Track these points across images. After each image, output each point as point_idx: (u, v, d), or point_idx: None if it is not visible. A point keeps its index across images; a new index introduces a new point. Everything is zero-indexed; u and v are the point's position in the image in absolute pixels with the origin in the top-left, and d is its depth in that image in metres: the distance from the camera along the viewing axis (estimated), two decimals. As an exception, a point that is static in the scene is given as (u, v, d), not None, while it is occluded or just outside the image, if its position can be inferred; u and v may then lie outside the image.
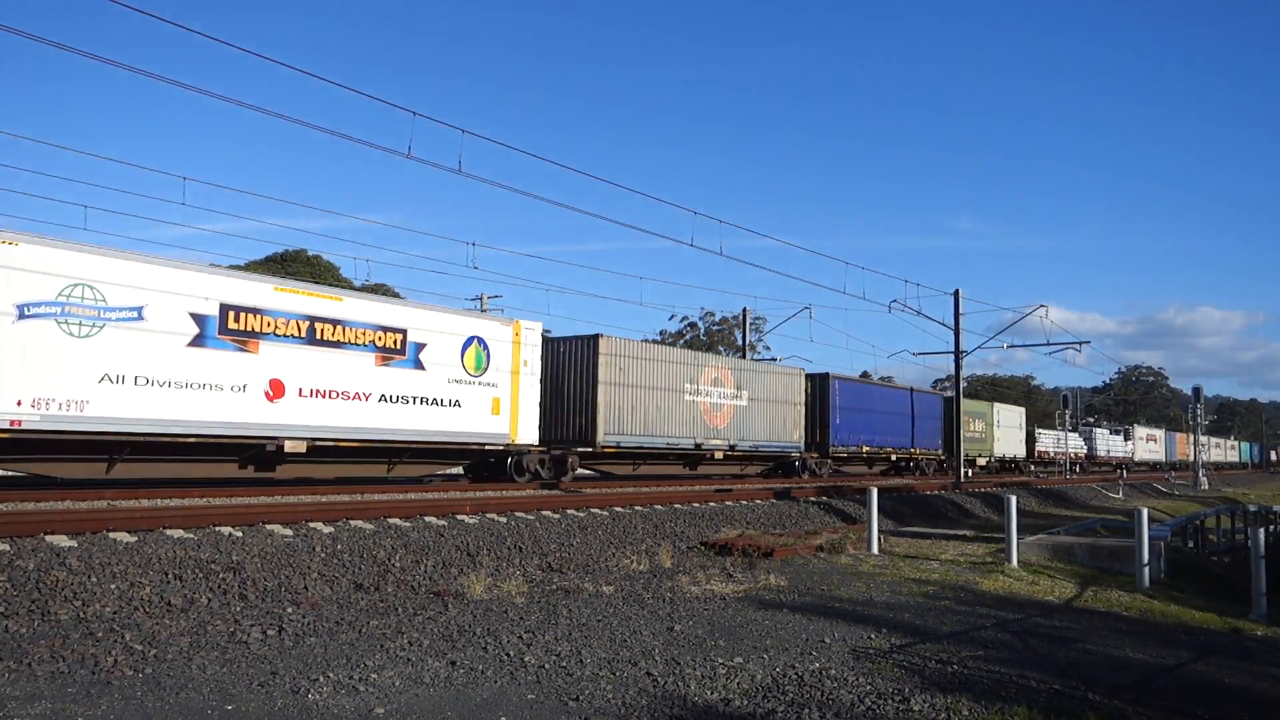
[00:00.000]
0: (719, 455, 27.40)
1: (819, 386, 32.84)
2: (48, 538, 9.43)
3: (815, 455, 32.10)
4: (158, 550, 9.46)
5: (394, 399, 18.29)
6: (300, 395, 16.75)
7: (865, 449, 35.16)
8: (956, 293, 32.39)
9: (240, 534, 10.63)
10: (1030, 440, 52.41)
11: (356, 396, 17.67)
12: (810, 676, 7.01)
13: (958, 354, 32.61)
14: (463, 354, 19.85)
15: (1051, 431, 56.07)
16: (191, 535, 10.27)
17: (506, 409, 20.80)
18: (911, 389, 40.42)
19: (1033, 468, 51.76)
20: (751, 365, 30.52)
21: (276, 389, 16.40)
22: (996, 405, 48.83)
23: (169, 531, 10.33)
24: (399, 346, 18.52)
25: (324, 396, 17.14)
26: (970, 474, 38.28)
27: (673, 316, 77.12)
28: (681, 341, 77.13)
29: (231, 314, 15.86)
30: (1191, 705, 6.93)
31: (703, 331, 77.06)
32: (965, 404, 37.85)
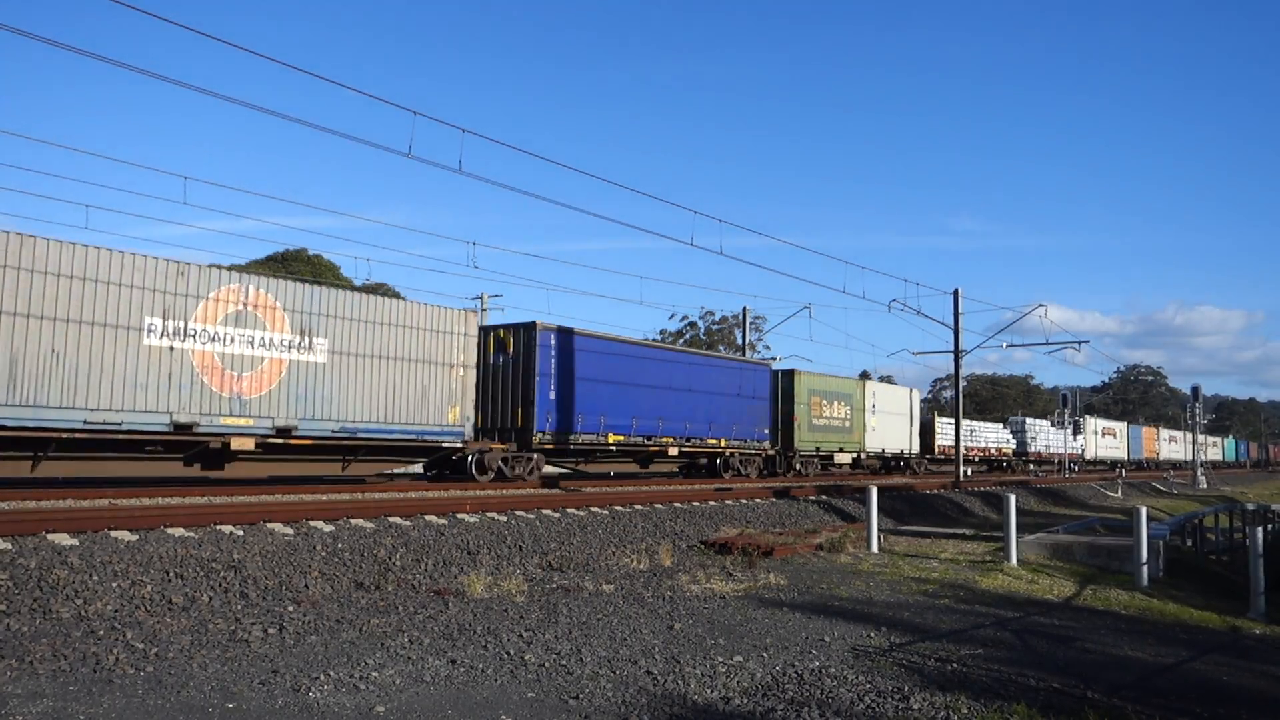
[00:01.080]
0: (247, 444, 16.48)
1: (522, 342, 22.11)
2: (49, 536, 9.45)
3: (505, 446, 21.50)
4: (159, 549, 9.48)
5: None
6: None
7: (614, 438, 24.08)
8: (956, 292, 32.43)
9: (241, 532, 10.65)
10: (926, 432, 42.83)
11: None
12: (810, 675, 7.03)
13: (957, 353, 32.64)
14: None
15: (970, 425, 47.52)
16: (192, 534, 10.29)
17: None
18: (717, 355, 32.62)
19: (927, 464, 42.25)
20: (338, 295, 18.65)
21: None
22: (871, 385, 38.50)
23: (170, 530, 10.35)
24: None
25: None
26: (805, 471, 33.07)
27: (672, 316, 77.26)
28: (682, 341, 77.34)
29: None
30: (1190, 704, 6.95)
31: (702, 331, 77.10)
32: (811, 380, 33.37)
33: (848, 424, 35.45)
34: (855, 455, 36.02)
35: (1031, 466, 53.04)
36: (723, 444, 28.31)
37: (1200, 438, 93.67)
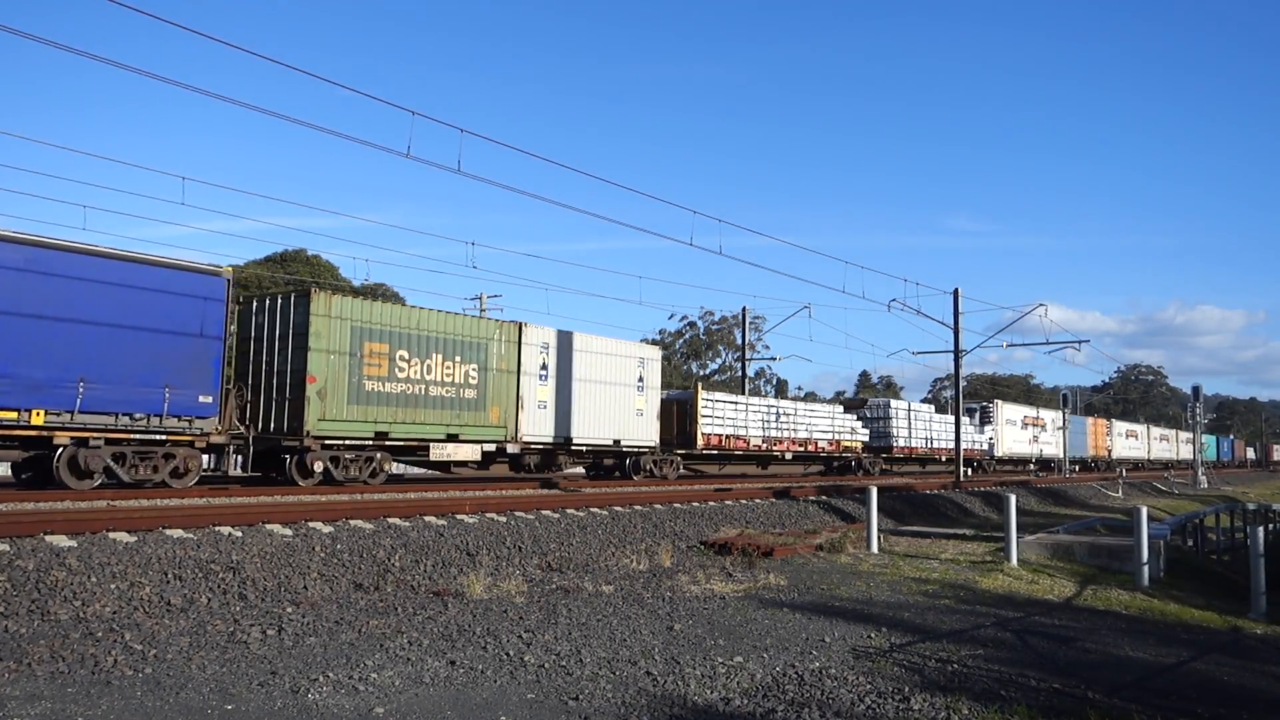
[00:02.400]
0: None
1: None
2: (47, 538, 9.42)
3: None
4: (157, 550, 9.46)
5: None
6: None
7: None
8: (956, 292, 32.42)
9: (240, 534, 10.63)
10: (681, 415, 28.08)
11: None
12: (810, 676, 7.01)
13: (957, 353, 32.63)
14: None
15: (744, 402, 30.54)
16: (191, 535, 10.27)
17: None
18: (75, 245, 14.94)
19: (679, 461, 27.69)
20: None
21: None
22: (538, 331, 22.93)
23: (168, 531, 10.33)
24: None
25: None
26: (343, 476, 18.22)
27: (672, 316, 77.34)
28: (681, 341, 77.35)
29: None
30: (1191, 704, 6.93)
31: (702, 331, 77.12)
32: (359, 308, 18.88)
33: (471, 393, 20.93)
34: (499, 444, 21.56)
35: (888, 469, 38.54)
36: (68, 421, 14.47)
37: (1172, 433, 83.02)
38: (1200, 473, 53.55)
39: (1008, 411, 48.82)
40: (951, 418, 39.27)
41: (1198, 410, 54.26)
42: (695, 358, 77.59)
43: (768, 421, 31.23)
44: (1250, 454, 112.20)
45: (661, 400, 27.67)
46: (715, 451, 28.96)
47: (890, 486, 26.48)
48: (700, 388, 29.32)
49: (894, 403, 39.96)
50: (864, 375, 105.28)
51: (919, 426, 40.42)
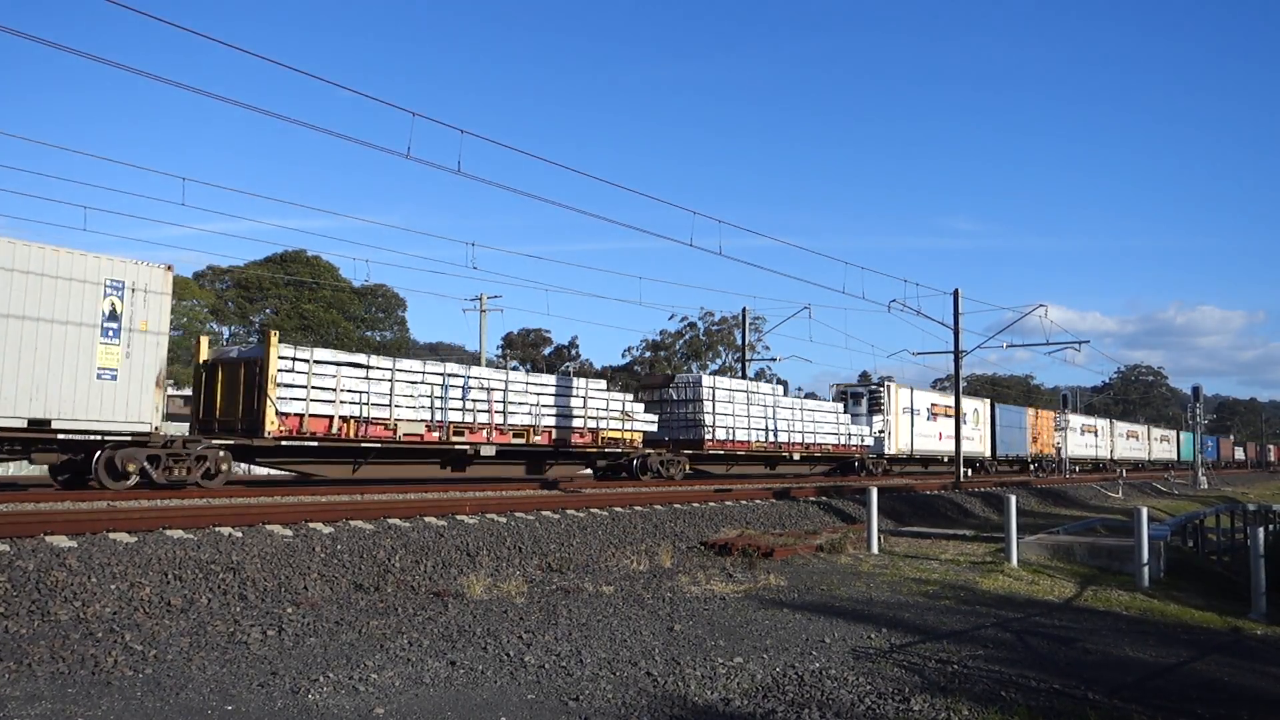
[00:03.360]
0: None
1: None
2: (48, 538, 9.42)
3: None
4: (157, 551, 9.46)
5: None
6: None
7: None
8: (956, 292, 32.41)
9: (240, 534, 10.63)
10: (252, 388, 17.53)
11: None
12: (810, 676, 7.01)
13: (957, 354, 32.62)
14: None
15: (503, 376, 22.47)
16: (191, 535, 10.27)
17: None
18: None
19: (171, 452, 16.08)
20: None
21: None
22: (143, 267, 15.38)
23: (169, 532, 10.33)
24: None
25: None
26: None
27: (672, 316, 77.30)
28: (682, 342, 77.39)
29: None
30: (1192, 704, 6.93)
31: (702, 331, 77.15)
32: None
33: None
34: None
35: (685, 470, 26.02)
36: None
37: (1132, 429, 69.64)
38: (1200, 473, 53.53)
39: (911, 398, 38.36)
40: (824, 404, 34.16)
41: (1198, 411, 54.25)
42: (695, 358, 77.66)
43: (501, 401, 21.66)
44: (1240, 454, 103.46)
45: (207, 362, 18.39)
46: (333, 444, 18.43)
47: (891, 487, 26.48)
48: (274, 340, 17.63)
49: (704, 378, 29.08)
50: (864, 376, 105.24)
51: (781, 414, 30.47)
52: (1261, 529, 13.45)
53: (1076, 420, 57.91)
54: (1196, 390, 55.67)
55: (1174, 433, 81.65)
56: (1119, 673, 7.84)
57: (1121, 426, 68.44)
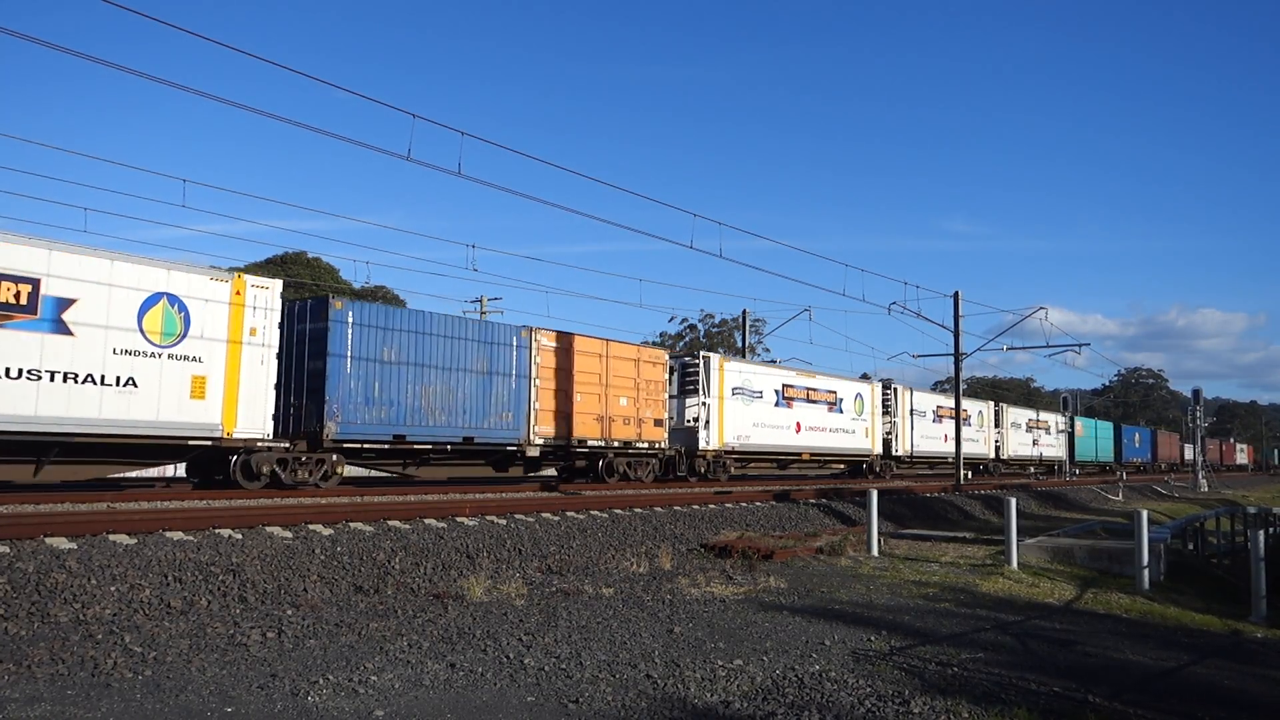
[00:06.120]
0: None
1: None
2: (47, 540, 9.42)
3: None
4: (157, 552, 9.46)
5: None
6: None
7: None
8: (956, 295, 32.41)
9: (240, 536, 10.63)
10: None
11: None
12: (810, 679, 7.01)
13: (957, 356, 32.62)
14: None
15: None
16: (191, 537, 10.27)
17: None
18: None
19: None
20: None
21: None
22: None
23: (168, 534, 10.33)
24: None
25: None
26: None
27: (672, 318, 77.26)
28: (681, 343, 77.34)
29: None
30: (1192, 707, 6.93)
31: (702, 333, 77.15)
32: None
33: None
34: None
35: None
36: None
37: (1055, 419, 51.67)
38: (1201, 476, 53.49)
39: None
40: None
41: (1198, 414, 54.19)
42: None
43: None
44: (1241, 456, 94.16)
45: None
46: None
47: (891, 490, 26.46)
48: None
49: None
50: (864, 378, 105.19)
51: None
52: (1262, 532, 13.44)
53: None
54: (1197, 393, 55.58)
55: (1056, 417, 52.91)
56: (1119, 675, 7.83)
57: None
